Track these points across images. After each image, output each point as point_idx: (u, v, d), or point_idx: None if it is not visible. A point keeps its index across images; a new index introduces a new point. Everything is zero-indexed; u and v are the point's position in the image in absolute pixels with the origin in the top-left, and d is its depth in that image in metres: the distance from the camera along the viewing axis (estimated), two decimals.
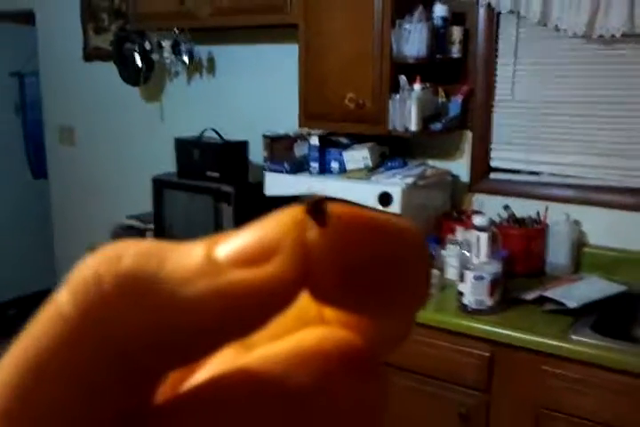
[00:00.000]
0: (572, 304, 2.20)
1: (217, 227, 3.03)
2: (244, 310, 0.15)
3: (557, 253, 2.55)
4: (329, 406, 0.16)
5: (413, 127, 2.59)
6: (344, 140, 2.85)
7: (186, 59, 3.46)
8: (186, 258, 0.15)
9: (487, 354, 2.22)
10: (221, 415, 0.16)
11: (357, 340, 0.17)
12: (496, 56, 2.71)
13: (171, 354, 0.15)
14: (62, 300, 0.15)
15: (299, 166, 2.84)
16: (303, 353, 0.16)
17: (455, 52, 2.68)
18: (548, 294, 2.29)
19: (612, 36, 2.39)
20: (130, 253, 0.15)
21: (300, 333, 0.17)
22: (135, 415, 0.16)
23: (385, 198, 2.51)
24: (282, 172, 2.82)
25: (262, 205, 2.81)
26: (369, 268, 0.16)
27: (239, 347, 0.18)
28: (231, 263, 0.15)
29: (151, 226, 3.44)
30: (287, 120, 3.04)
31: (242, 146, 3.21)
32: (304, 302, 0.18)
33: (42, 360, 0.15)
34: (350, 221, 0.16)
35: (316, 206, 0.16)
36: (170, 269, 0.15)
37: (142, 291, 0.15)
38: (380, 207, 2.51)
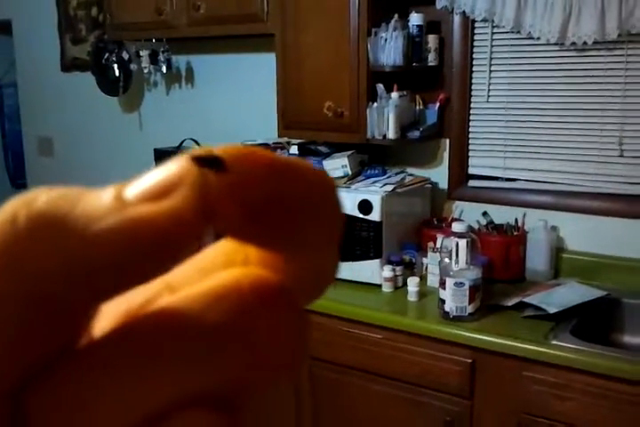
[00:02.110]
0: (551, 310, 2.22)
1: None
2: (148, 241, 0.16)
3: (536, 259, 2.57)
4: (245, 339, 0.17)
5: (392, 135, 2.61)
6: (323, 149, 2.86)
7: (164, 69, 3.46)
8: (96, 199, 0.16)
9: (469, 360, 2.23)
10: (136, 353, 0.17)
11: (273, 277, 0.18)
12: (472, 64, 2.72)
13: (85, 289, 0.16)
14: None
15: None
16: (219, 291, 0.17)
17: (431, 60, 2.70)
18: (528, 299, 2.31)
19: (584, 43, 2.42)
20: (44, 195, 0.16)
21: (219, 274, 0.18)
22: (60, 356, 0.17)
23: (365, 206, 2.52)
24: None
25: None
26: (271, 203, 0.17)
27: (165, 290, 0.18)
28: (136, 201, 0.16)
29: None
30: (266, 129, 3.04)
31: None
32: (231, 248, 0.19)
33: None
34: (247, 160, 0.17)
35: (212, 155, 0.17)
36: (80, 209, 0.16)
37: (53, 228, 0.16)
38: (361, 215, 2.52)
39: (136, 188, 0.16)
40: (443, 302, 2.30)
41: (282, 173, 0.17)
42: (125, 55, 3.60)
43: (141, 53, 3.45)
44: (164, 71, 3.47)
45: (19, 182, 4.85)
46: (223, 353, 0.17)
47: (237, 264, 0.19)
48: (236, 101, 3.39)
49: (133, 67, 3.57)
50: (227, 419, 0.17)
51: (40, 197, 0.16)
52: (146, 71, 3.49)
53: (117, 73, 3.64)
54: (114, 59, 3.63)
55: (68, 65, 4.04)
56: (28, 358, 0.16)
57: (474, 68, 2.73)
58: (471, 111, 2.76)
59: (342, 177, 2.71)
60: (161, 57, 3.43)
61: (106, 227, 0.16)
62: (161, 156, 3.35)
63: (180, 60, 3.53)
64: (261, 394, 0.19)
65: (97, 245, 0.15)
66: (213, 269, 0.19)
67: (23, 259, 0.16)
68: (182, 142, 3.40)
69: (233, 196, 0.17)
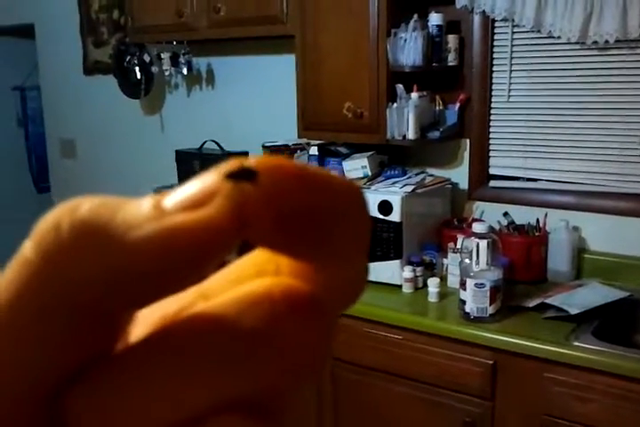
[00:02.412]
0: (573, 311, 2.20)
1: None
2: (185, 248, 0.16)
3: (558, 259, 2.55)
4: (276, 346, 0.17)
5: (411, 136, 2.60)
6: (343, 150, 2.86)
7: (185, 71, 3.47)
8: (135, 208, 0.17)
9: (490, 362, 2.22)
10: (171, 356, 0.17)
11: (304, 286, 0.18)
12: (492, 64, 2.71)
13: (125, 296, 0.16)
14: (27, 248, 0.17)
15: None
16: (251, 299, 0.18)
17: (451, 60, 2.69)
18: (550, 300, 2.29)
19: (606, 41, 2.40)
20: (86, 204, 0.17)
21: (251, 283, 0.18)
22: (98, 361, 0.17)
23: (385, 207, 2.51)
24: None
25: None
26: (301, 213, 0.17)
27: (199, 299, 0.19)
28: (174, 210, 0.17)
29: None
30: (286, 130, 3.05)
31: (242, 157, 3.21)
32: (262, 258, 0.20)
33: (10, 305, 0.16)
34: (279, 171, 0.17)
35: (245, 167, 0.17)
36: (121, 217, 0.16)
37: (95, 236, 0.16)
38: (381, 216, 2.52)
39: (174, 197, 0.17)
40: (463, 302, 2.29)
41: (311, 184, 0.18)
42: (147, 58, 3.62)
43: (162, 56, 3.47)
44: (185, 73, 3.49)
45: (42, 185, 4.90)
46: (256, 358, 0.17)
47: (269, 274, 0.19)
48: (257, 103, 3.40)
49: (155, 69, 3.60)
50: (262, 424, 0.18)
51: (82, 206, 0.17)
52: (167, 73, 3.51)
53: (139, 75, 3.66)
54: (135, 61, 3.65)
55: (91, 68, 4.07)
56: (68, 364, 0.17)
57: (494, 68, 2.72)
58: (491, 111, 2.75)
59: (362, 178, 2.71)
60: (182, 59, 3.45)
61: (145, 235, 0.16)
62: (182, 157, 3.37)
63: (201, 62, 3.55)
64: (291, 400, 0.19)
65: (136, 252, 0.16)
66: (246, 279, 0.19)
67: (67, 267, 0.16)
68: (203, 144, 3.42)
69: (266, 206, 0.17)
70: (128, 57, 3.68)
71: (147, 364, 0.17)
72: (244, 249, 0.20)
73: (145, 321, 0.18)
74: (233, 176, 0.17)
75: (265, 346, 0.17)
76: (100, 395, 0.17)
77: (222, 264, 0.19)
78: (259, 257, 0.20)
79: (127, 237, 0.16)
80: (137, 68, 3.66)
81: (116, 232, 0.16)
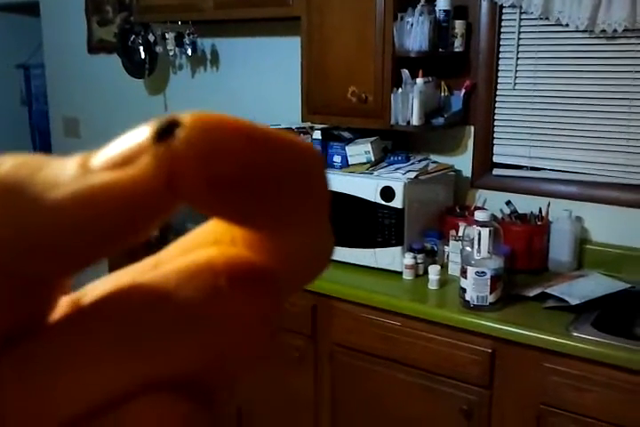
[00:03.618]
0: (573, 301, 2.20)
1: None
2: (105, 208, 0.15)
3: (559, 249, 2.54)
4: (215, 321, 0.16)
5: (416, 122, 2.58)
6: (346, 135, 2.85)
7: (189, 51, 3.46)
8: (60, 166, 0.16)
9: (489, 350, 2.22)
10: (104, 328, 0.16)
11: (253, 257, 0.17)
12: (499, 50, 2.69)
13: (44, 257, 0.15)
14: None
15: None
16: (192, 270, 0.17)
17: (457, 45, 2.66)
18: (550, 290, 2.29)
19: (615, 30, 2.37)
20: (8, 162, 0.16)
21: (195, 252, 0.17)
22: (28, 331, 0.17)
23: (387, 193, 2.50)
24: None
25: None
26: (247, 175, 0.16)
27: (152, 268, 0.18)
28: (100, 168, 0.16)
29: None
30: (290, 114, 3.03)
31: None
32: (220, 227, 0.19)
33: None
34: (213, 126, 0.16)
35: (174, 119, 0.16)
36: (42, 176, 0.15)
37: (10, 194, 0.15)
38: (383, 202, 2.51)
39: (100, 156, 0.16)
40: (464, 290, 2.29)
41: (260, 144, 0.16)
42: (151, 37, 3.60)
43: (167, 36, 3.45)
44: (190, 54, 3.47)
45: None
46: (191, 332, 0.16)
47: (224, 244, 0.18)
48: (261, 85, 3.38)
49: (159, 49, 3.58)
50: (193, 405, 0.17)
51: (4, 163, 0.16)
52: (171, 54, 3.49)
53: (143, 55, 3.65)
54: (140, 41, 3.64)
55: (95, 47, 4.06)
56: None
57: (500, 55, 2.69)
58: (497, 98, 2.73)
59: (365, 163, 2.70)
60: (186, 39, 3.43)
61: (66, 193, 0.15)
62: None
63: (206, 43, 3.52)
64: (232, 381, 0.18)
65: (55, 212, 0.15)
66: (199, 249, 0.18)
67: None
68: None
69: (197, 164, 0.16)
70: (132, 36, 3.67)
71: (76, 334, 0.16)
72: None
73: (95, 291, 0.17)
74: (161, 132, 0.16)
75: (201, 320, 0.16)
76: (26, 366, 0.16)
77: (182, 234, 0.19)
78: (217, 226, 0.19)
79: (46, 197, 0.15)
80: (141, 48, 3.64)
81: (33, 191, 0.15)
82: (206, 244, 0.18)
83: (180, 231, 0.19)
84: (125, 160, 0.16)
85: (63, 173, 0.16)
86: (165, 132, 0.16)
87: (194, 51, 3.47)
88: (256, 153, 0.16)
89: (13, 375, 0.16)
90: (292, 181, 0.17)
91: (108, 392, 0.16)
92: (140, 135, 0.16)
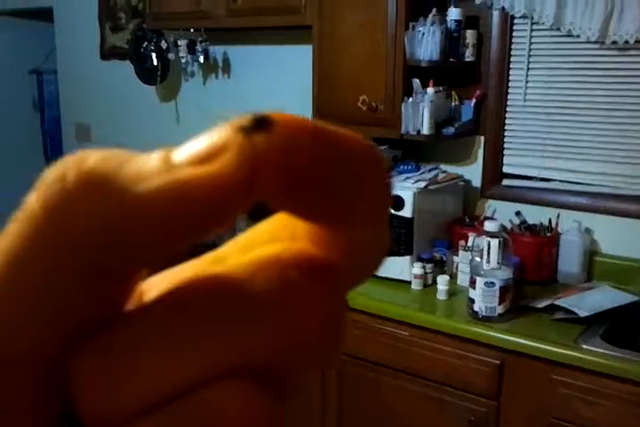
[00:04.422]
0: (582, 313, 2.19)
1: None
2: (192, 202, 0.16)
3: (569, 261, 2.53)
4: (285, 312, 0.17)
5: (426, 131, 2.58)
6: None
7: (201, 59, 3.47)
8: (144, 161, 0.16)
9: (497, 361, 2.21)
10: (181, 318, 0.16)
11: (318, 252, 0.18)
12: (509, 61, 2.69)
13: (127, 250, 0.16)
14: (31, 200, 0.16)
15: None
16: (261, 263, 0.17)
17: (468, 55, 2.66)
18: (559, 302, 2.28)
19: (626, 41, 2.37)
20: (94, 156, 0.16)
21: (262, 248, 0.18)
22: (103, 323, 0.17)
23: (397, 202, 2.50)
24: None
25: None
26: (319, 170, 0.17)
27: (213, 264, 0.18)
28: (183, 164, 0.16)
29: None
30: None
31: None
32: (278, 224, 0.19)
33: (13, 257, 0.16)
34: (294, 125, 0.17)
35: (260, 116, 0.17)
36: (128, 169, 0.16)
37: (101, 187, 0.16)
38: (392, 211, 2.50)
39: (183, 151, 0.16)
40: (472, 301, 2.28)
41: (331, 141, 0.17)
42: (164, 44, 3.62)
43: (179, 43, 3.47)
44: (202, 61, 3.49)
45: None
46: (263, 323, 0.17)
47: (284, 240, 0.19)
48: (272, 93, 3.38)
49: (171, 56, 3.59)
50: (265, 393, 0.17)
51: (89, 157, 0.16)
52: (183, 61, 3.51)
53: (155, 62, 3.66)
54: (152, 48, 3.65)
55: (107, 53, 4.08)
56: (72, 323, 0.16)
57: (511, 65, 2.69)
58: (507, 109, 2.73)
59: None
60: (198, 47, 3.45)
61: (152, 188, 0.15)
62: None
63: (218, 51, 3.54)
64: (301, 376, 0.18)
65: (143, 205, 0.15)
66: (259, 245, 0.19)
67: (72, 219, 0.16)
68: None
69: (279, 160, 0.16)
70: (145, 43, 3.68)
71: (154, 325, 0.17)
72: (261, 217, 0.19)
73: (158, 288, 0.18)
74: (245, 129, 0.16)
75: (273, 311, 0.17)
76: (103, 358, 0.16)
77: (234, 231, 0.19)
78: (274, 223, 0.19)
79: (134, 190, 0.15)
80: (154, 55, 3.66)
81: (121, 184, 0.16)
82: (265, 241, 0.19)
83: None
84: (209, 156, 0.16)
85: (147, 167, 0.16)
86: (250, 129, 0.16)
87: (206, 58, 3.48)
88: (331, 152, 0.17)
89: (92, 366, 0.16)
90: (360, 179, 0.18)
91: (187, 381, 0.16)
92: (223, 132, 0.17)
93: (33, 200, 0.16)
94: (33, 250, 0.16)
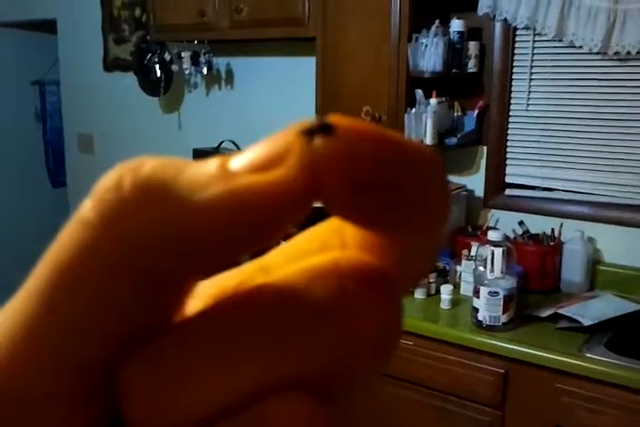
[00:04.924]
0: (586, 322, 2.19)
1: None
2: (253, 210, 0.15)
3: (572, 270, 2.54)
4: (343, 323, 0.16)
5: (429, 141, 2.60)
6: None
7: (205, 70, 3.49)
8: (202, 168, 0.16)
9: (501, 370, 2.21)
10: (237, 330, 0.16)
11: (372, 261, 0.17)
12: (512, 71, 2.71)
13: (186, 259, 0.16)
14: (86, 207, 0.16)
15: None
16: (317, 273, 0.17)
17: (471, 66, 2.68)
18: (563, 311, 2.29)
19: (628, 52, 2.39)
20: (150, 163, 0.16)
21: (317, 257, 0.18)
22: (154, 331, 0.17)
23: None
24: None
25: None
26: (379, 180, 0.16)
27: (259, 273, 0.18)
28: (242, 171, 0.16)
29: None
30: None
31: None
32: (327, 231, 0.19)
33: (67, 267, 0.16)
34: (358, 131, 0.16)
35: (322, 121, 0.16)
36: (185, 177, 0.16)
37: (158, 195, 0.15)
38: None
39: (241, 158, 0.16)
40: (476, 310, 2.29)
41: (392, 148, 0.17)
42: (167, 56, 3.64)
43: (183, 55, 3.48)
44: (205, 73, 3.50)
45: (58, 180, 4.92)
46: (321, 334, 0.16)
47: (334, 248, 0.18)
48: (275, 104, 3.40)
49: (175, 68, 3.61)
50: (324, 405, 0.17)
51: (146, 164, 0.16)
52: (187, 72, 3.52)
53: (159, 74, 3.68)
54: (156, 59, 3.67)
55: (111, 65, 4.09)
56: (123, 330, 0.16)
57: (514, 76, 2.71)
58: (510, 119, 2.74)
59: None
60: (202, 58, 3.47)
61: (211, 195, 0.15)
62: (200, 156, 3.36)
63: (221, 62, 3.56)
64: (360, 383, 0.18)
65: (202, 213, 0.15)
66: (309, 253, 0.18)
67: (129, 228, 0.15)
68: (221, 144, 3.43)
69: (341, 166, 0.16)
70: (149, 55, 3.70)
71: (208, 336, 0.16)
72: (308, 223, 0.19)
73: (202, 294, 0.17)
74: (306, 134, 0.16)
75: (332, 322, 0.16)
76: (156, 367, 0.16)
77: (284, 238, 0.18)
78: (323, 230, 0.19)
79: (192, 198, 0.15)
80: (157, 66, 3.68)
81: (180, 192, 0.15)
82: (316, 248, 0.18)
83: None
84: (268, 162, 0.16)
85: (205, 175, 0.16)
86: (311, 134, 0.16)
87: (209, 69, 3.50)
88: (392, 159, 0.16)
89: (145, 375, 0.16)
90: (420, 186, 0.17)
91: (242, 392, 0.16)
92: (283, 137, 0.16)
93: (88, 209, 0.16)
94: (89, 260, 0.16)
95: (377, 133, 0.16)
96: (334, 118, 0.16)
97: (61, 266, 0.16)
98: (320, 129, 0.16)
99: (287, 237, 0.19)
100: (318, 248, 0.18)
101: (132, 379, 0.16)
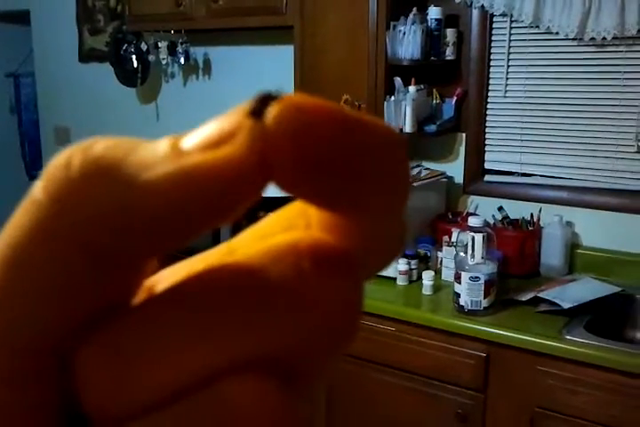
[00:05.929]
0: (566, 305, 2.22)
1: (214, 229, 3.04)
2: (201, 188, 0.15)
3: (551, 254, 2.57)
4: (300, 302, 0.16)
5: (408, 129, 2.61)
6: None
7: (182, 60, 3.47)
8: (152, 148, 0.16)
9: (483, 354, 2.24)
10: (192, 309, 0.16)
11: (333, 241, 0.17)
12: (490, 58, 2.72)
13: (134, 237, 0.15)
14: (36, 188, 0.16)
15: None
16: (276, 253, 0.17)
17: (449, 54, 2.70)
18: (543, 294, 2.32)
19: (604, 38, 2.41)
20: (100, 143, 0.16)
21: (277, 237, 0.17)
22: (111, 313, 0.16)
23: None
24: None
25: (259, 207, 2.82)
26: (336, 156, 0.16)
27: (226, 255, 0.18)
28: (192, 150, 0.16)
29: None
30: None
31: None
32: (292, 213, 0.19)
33: (18, 245, 0.16)
34: (311, 108, 0.16)
35: (265, 95, 0.16)
36: (136, 157, 0.16)
37: (107, 175, 0.15)
38: None
39: (192, 137, 0.16)
40: (458, 295, 2.31)
41: (351, 126, 0.16)
42: (144, 46, 3.61)
43: (160, 45, 3.47)
44: (182, 63, 3.49)
45: (34, 173, 4.89)
46: (277, 313, 0.16)
47: (299, 229, 0.18)
48: (253, 93, 3.35)
49: (151, 58, 3.59)
50: (281, 386, 0.16)
51: (96, 145, 0.16)
52: (164, 62, 3.51)
53: (135, 64, 3.66)
54: (132, 50, 3.64)
55: (86, 55, 4.06)
56: (75, 311, 0.16)
57: (491, 63, 2.73)
58: (488, 106, 2.76)
59: None
60: (179, 48, 3.45)
61: (160, 174, 0.15)
62: None
63: (198, 52, 3.54)
64: (318, 365, 0.18)
65: (151, 192, 0.15)
66: (275, 234, 0.18)
67: (78, 208, 0.15)
68: None
69: (290, 143, 0.16)
70: (125, 45, 3.67)
71: (163, 317, 0.16)
72: (271, 208, 0.19)
73: (169, 280, 0.17)
74: (253, 111, 0.16)
75: (288, 301, 0.16)
76: (112, 348, 0.16)
77: (254, 221, 0.19)
78: (289, 211, 0.19)
79: (142, 177, 0.15)
80: (134, 57, 3.65)
81: (130, 171, 0.15)
82: (280, 230, 0.18)
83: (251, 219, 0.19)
84: (218, 141, 0.16)
85: (155, 154, 0.16)
86: (258, 111, 0.16)
87: (186, 59, 3.48)
88: (346, 135, 0.16)
89: (101, 359, 0.16)
90: (378, 165, 0.17)
91: (200, 374, 0.16)
92: (231, 116, 0.16)
93: (38, 188, 0.16)
94: (38, 239, 0.15)
95: (332, 111, 0.16)
96: (283, 95, 0.16)
97: (12, 245, 0.16)
98: (264, 101, 0.16)
99: (257, 219, 0.19)
100: (284, 229, 0.18)
101: (86, 361, 0.16)
